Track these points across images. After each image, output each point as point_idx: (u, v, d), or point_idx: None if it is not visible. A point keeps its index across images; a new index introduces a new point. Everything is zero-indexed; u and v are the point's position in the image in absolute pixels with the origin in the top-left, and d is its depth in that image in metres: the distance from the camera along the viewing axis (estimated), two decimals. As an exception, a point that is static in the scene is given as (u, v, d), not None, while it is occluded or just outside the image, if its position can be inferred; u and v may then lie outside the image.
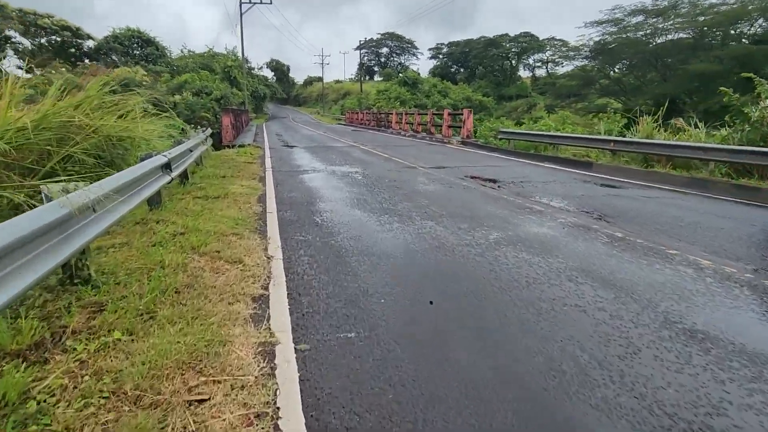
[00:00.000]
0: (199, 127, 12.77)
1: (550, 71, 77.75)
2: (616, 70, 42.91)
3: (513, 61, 71.81)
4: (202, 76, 29.84)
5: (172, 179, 5.60)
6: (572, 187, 7.81)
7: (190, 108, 17.34)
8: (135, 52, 41.00)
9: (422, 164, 10.69)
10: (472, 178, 8.68)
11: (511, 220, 5.39)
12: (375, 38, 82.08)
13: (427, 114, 20.71)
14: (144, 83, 16.43)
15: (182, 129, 10.94)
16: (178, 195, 6.21)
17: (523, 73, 77.99)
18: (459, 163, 11.17)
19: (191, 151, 7.23)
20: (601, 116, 19.34)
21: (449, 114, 18.71)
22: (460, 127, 17.77)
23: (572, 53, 46.74)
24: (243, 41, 34.74)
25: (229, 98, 27.12)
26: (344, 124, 38.26)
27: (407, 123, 24.14)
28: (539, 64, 78.91)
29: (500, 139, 14.85)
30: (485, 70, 72.38)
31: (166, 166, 5.35)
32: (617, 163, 10.51)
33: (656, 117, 11.15)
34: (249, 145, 14.60)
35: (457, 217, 5.45)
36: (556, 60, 73.51)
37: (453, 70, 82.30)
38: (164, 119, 8.29)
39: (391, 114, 27.12)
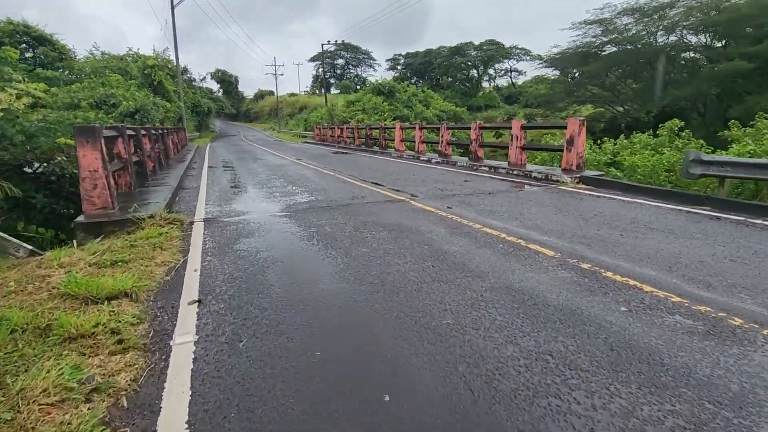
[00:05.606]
0: None
1: (513, 80, 73.36)
2: (611, 75, 37.38)
3: (479, 71, 66.17)
4: (113, 80, 19.81)
5: None
6: None
7: (25, 133, 7.28)
8: (24, 54, 29.72)
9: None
10: None
11: None
12: (331, 48, 73.73)
13: (471, 128, 12.55)
14: None
15: None
16: None
17: (484, 84, 73.30)
18: None
19: None
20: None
21: (522, 128, 10.65)
22: (559, 150, 9.84)
23: (557, 56, 40.84)
24: (176, 36, 25.00)
25: (150, 112, 17.25)
26: (314, 143, 29.30)
27: (423, 142, 15.91)
28: (501, 72, 74.50)
29: (701, 175, 6.96)
30: (451, 79, 66.23)
31: None
32: None
33: None
34: (152, 218, 5.58)
35: None
36: (521, 70, 69.06)
37: (413, 81, 76.40)
38: None
39: (391, 129, 18.78)
